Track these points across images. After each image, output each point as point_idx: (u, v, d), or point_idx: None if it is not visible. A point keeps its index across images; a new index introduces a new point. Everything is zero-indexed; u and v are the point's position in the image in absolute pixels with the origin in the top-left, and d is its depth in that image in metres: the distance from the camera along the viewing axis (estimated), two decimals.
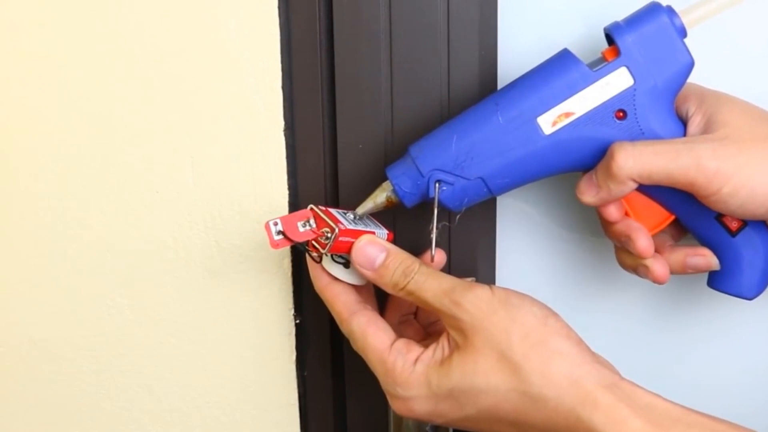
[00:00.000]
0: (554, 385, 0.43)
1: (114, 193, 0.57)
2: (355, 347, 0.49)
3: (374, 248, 0.49)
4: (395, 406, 0.47)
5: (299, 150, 0.57)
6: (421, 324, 0.55)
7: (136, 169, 0.57)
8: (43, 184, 0.57)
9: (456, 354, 0.45)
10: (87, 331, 0.60)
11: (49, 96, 0.55)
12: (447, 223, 0.55)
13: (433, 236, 0.50)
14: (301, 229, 0.48)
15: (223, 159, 0.56)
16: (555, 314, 0.46)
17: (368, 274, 0.49)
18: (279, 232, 0.48)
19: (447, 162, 0.50)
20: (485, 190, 0.50)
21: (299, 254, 0.57)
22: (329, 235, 0.48)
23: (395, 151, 0.55)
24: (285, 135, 0.56)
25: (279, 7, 0.53)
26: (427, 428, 0.59)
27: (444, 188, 0.49)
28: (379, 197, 0.52)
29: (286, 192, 0.57)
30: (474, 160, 0.49)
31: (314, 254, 0.49)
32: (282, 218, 0.48)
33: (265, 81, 0.54)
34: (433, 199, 0.50)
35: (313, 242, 0.48)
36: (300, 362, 0.61)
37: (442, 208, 0.50)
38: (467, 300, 0.45)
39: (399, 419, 0.60)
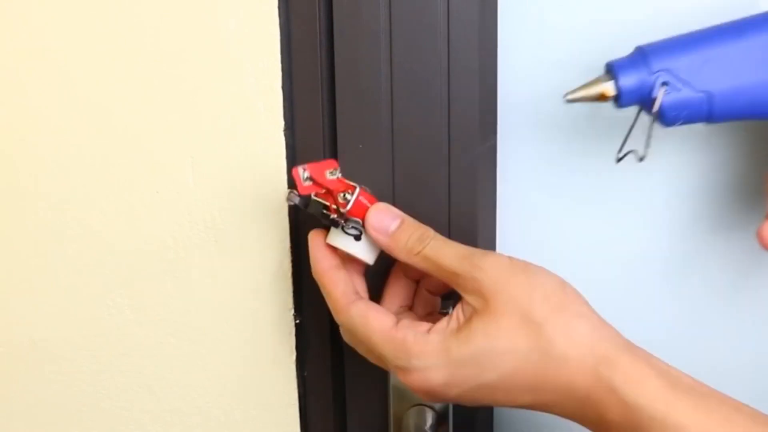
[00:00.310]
0: (576, 344, 0.43)
1: (114, 193, 0.57)
2: (354, 338, 0.48)
3: (389, 214, 0.48)
4: (410, 379, 0.45)
5: (299, 150, 0.56)
6: (418, 315, 0.54)
7: (136, 169, 0.57)
8: (43, 184, 0.57)
9: (476, 318, 0.45)
10: (87, 331, 0.60)
11: (49, 96, 0.56)
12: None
13: (623, 153, 0.47)
14: (329, 177, 0.48)
15: (223, 159, 0.56)
16: (571, 285, 0.46)
17: (382, 239, 0.48)
18: (308, 178, 0.47)
19: (681, 64, 0.46)
20: (705, 109, 0.47)
21: (299, 254, 0.57)
22: (349, 195, 0.47)
23: (396, 150, 0.55)
24: (285, 135, 0.56)
25: (279, 7, 0.53)
26: (427, 428, 0.59)
27: (669, 92, 0.46)
28: (593, 88, 0.49)
29: (287, 192, 0.55)
30: (711, 70, 0.46)
31: (333, 216, 0.48)
32: (309, 165, 0.47)
33: (265, 81, 0.54)
34: (652, 103, 0.46)
35: (332, 204, 0.48)
36: (300, 362, 0.61)
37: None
38: (487, 263, 0.45)
39: (399, 419, 0.60)
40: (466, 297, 0.46)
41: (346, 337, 0.50)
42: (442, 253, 0.47)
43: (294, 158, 0.56)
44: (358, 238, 0.49)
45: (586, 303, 0.46)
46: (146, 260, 0.58)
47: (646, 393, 0.42)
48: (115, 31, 0.54)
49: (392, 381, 0.59)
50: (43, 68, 0.55)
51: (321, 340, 0.60)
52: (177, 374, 0.61)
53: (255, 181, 0.57)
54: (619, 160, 0.49)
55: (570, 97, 0.49)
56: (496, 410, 0.63)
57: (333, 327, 0.57)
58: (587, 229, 0.61)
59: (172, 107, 0.55)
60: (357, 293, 0.49)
